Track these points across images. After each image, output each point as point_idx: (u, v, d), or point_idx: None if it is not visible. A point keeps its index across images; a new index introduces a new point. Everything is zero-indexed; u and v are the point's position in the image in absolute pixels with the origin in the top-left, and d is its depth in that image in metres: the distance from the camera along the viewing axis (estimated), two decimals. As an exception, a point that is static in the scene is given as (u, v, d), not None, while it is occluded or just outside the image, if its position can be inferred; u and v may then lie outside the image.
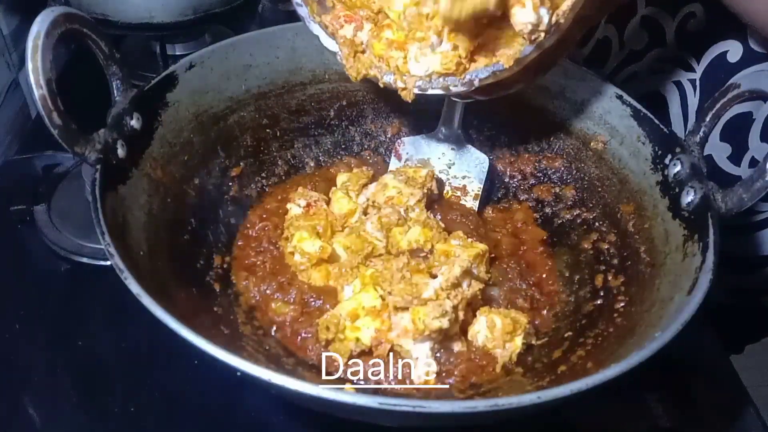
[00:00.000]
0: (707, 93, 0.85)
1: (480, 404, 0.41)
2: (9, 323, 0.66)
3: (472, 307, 0.62)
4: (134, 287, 0.45)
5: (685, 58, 0.87)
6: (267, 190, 0.76)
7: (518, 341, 0.59)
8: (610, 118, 0.71)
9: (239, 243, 0.70)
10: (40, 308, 0.69)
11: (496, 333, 0.59)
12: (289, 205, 0.70)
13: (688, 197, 0.59)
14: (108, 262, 0.47)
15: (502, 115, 0.78)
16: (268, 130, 0.76)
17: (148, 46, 1.07)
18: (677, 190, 0.61)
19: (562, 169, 0.76)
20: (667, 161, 0.63)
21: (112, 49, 0.57)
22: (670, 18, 0.87)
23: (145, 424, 0.60)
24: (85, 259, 0.72)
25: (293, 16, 0.59)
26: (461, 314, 0.58)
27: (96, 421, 0.60)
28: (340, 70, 0.78)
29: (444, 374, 0.58)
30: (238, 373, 0.42)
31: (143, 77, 0.65)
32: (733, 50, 0.81)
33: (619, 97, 0.69)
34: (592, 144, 0.73)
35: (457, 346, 0.60)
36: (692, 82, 0.86)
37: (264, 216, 0.72)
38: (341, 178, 0.75)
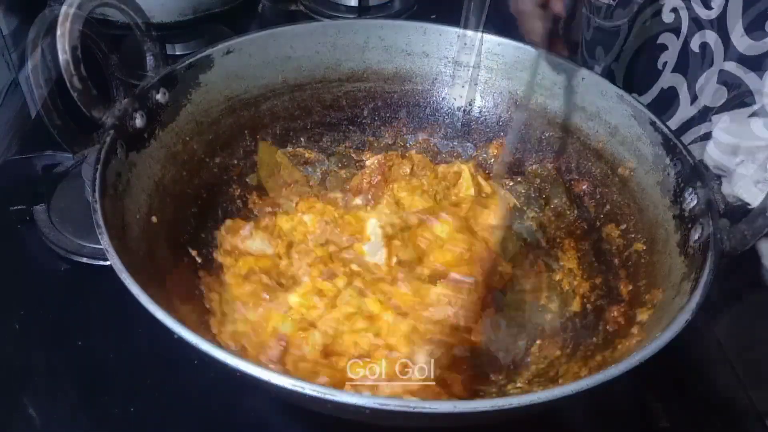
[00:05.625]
0: None
1: (480, 404, 0.41)
2: (9, 323, 0.66)
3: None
4: (134, 287, 0.45)
5: None
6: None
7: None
8: (641, 144, 0.68)
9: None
10: (40, 308, 0.68)
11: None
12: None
13: (696, 234, 0.56)
14: (108, 262, 0.47)
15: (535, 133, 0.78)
16: (299, 121, 0.77)
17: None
18: (689, 225, 0.58)
19: (586, 191, 0.74)
20: (686, 194, 0.60)
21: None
22: None
23: (145, 425, 0.60)
24: (84, 259, 0.72)
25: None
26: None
27: (96, 421, 0.60)
28: (378, 70, 0.79)
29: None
30: (238, 373, 0.42)
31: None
32: None
33: (653, 124, 0.66)
34: (619, 170, 0.70)
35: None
36: None
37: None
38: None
